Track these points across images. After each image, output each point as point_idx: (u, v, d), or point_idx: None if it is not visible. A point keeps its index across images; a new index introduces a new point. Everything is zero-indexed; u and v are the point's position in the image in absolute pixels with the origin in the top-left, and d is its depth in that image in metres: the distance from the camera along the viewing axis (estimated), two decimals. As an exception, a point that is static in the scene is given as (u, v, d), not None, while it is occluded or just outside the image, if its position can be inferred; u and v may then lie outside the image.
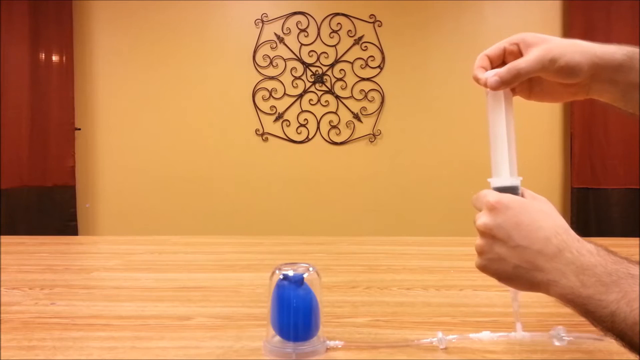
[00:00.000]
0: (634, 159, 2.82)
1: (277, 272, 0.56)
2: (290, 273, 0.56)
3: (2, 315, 0.68)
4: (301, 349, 0.54)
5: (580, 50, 0.51)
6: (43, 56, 2.94)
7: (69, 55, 2.96)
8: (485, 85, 0.53)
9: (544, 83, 0.56)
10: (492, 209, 0.49)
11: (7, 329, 0.62)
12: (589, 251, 0.44)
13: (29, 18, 2.88)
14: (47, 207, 2.94)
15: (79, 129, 3.02)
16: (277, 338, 0.56)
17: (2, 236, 1.39)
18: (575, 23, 2.93)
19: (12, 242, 1.32)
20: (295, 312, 0.55)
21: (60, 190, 2.96)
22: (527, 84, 0.57)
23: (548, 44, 0.52)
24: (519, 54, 0.54)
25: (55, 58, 2.96)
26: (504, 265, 0.48)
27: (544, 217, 0.48)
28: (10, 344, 0.58)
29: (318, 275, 0.57)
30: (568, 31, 2.97)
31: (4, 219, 2.81)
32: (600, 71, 0.51)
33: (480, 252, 0.50)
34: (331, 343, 0.56)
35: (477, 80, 0.55)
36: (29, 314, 0.69)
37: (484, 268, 0.50)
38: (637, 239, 1.20)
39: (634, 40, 3.06)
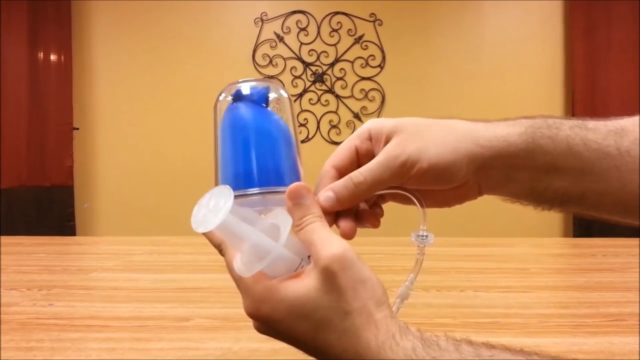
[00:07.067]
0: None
1: (222, 95, 0.36)
2: (246, 90, 0.35)
3: (0, 316, 0.68)
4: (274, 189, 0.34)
5: (453, 144, 0.35)
6: (41, 56, 2.93)
7: (68, 55, 2.96)
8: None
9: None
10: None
11: (5, 330, 0.62)
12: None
13: (27, 18, 2.87)
14: (45, 207, 2.94)
15: (77, 129, 3.02)
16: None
17: (0, 236, 1.38)
18: (576, 23, 2.93)
19: (11, 242, 1.32)
20: (263, 144, 0.35)
21: (58, 190, 2.96)
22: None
23: (400, 137, 0.36)
24: (373, 153, 0.38)
25: (53, 58, 2.95)
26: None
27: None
28: (8, 344, 0.57)
29: (290, 101, 0.38)
30: (569, 31, 2.97)
31: (2, 219, 2.81)
32: (489, 166, 0.35)
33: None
34: None
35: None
36: (27, 315, 0.69)
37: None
38: (637, 239, 1.19)
39: (634, 40, 3.05)
